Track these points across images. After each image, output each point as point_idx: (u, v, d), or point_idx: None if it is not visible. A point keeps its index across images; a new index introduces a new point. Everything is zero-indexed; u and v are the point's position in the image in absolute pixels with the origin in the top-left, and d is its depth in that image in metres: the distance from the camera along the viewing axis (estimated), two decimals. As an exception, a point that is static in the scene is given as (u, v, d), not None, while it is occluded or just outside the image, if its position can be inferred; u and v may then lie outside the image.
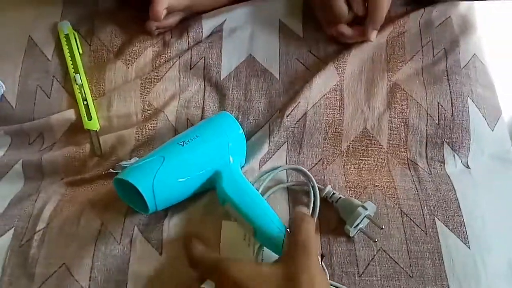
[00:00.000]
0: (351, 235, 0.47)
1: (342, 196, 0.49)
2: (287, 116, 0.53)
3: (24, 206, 0.49)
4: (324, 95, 0.55)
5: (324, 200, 0.49)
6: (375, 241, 0.46)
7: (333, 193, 0.49)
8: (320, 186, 0.50)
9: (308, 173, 0.51)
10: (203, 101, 0.55)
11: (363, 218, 0.46)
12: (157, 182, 0.43)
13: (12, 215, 0.48)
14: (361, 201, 0.47)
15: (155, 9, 0.52)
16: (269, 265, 0.40)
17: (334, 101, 0.55)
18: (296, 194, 0.50)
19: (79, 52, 0.56)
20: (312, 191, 0.49)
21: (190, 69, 0.56)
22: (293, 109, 0.53)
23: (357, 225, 0.46)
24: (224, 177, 0.46)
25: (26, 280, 0.44)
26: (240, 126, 0.49)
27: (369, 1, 0.53)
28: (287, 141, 0.54)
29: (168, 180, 0.44)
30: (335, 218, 0.48)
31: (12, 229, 0.47)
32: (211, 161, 0.47)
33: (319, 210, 0.48)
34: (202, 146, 0.47)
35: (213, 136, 0.48)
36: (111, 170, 0.52)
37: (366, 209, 0.46)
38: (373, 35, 0.56)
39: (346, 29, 0.56)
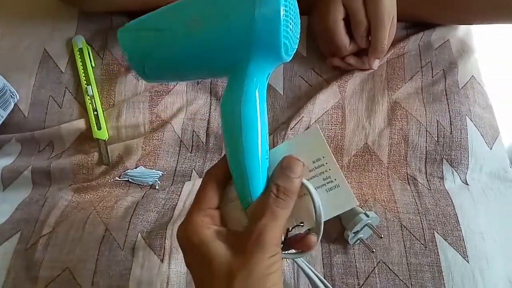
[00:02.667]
0: (350, 242, 0.47)
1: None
2: (291, 129, 0.55)
3: (31, 211, 0.50)
4: (327, 111, 0.57)
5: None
6: (373, 251, 0.47)
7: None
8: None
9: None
10: (209, 114, 0.57)
11: (364, 226, 0.46)
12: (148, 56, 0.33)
13: (19, 219, 0.49)
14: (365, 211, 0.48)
15: None
16: (222, 244, 0.31)
17: (336, 117, 0.57)
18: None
19: (91, 65, 0.59)
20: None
21: (198, 83, 0.59)
22: (297, 123, 0.55)
23: (357, 232, 0.46)
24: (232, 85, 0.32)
25: (29, 283, 0.45)
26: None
27: (372, 34, 0.55)
28: (290, 154, 0.55)
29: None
30: (336, 228, 0.49)
31: (19, 233, 0.48)
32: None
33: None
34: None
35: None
36: (117, 179, 0.53)
37: (368, 217, 0.47)
38: (376, 64, 0.57)
39: (347, 60, 0.58)
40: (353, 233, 0.47)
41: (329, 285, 0.39)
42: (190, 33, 0.30)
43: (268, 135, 0.33)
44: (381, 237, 0.47)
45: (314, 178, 0.33)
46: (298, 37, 0.32)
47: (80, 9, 0.62)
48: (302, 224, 0.34)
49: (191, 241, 0.31)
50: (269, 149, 0.33)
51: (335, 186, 0.33)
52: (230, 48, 0.30)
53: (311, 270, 0.39)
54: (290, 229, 0.34)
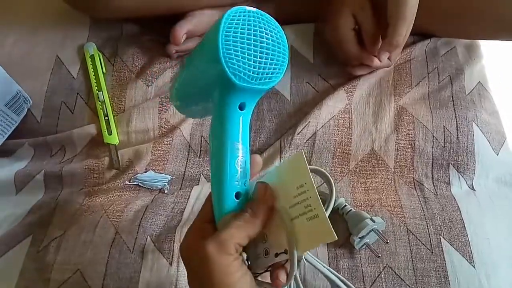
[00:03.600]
0: (356, 247, 0.48)
1: (353, 209, 0.50)
2: (298, 134, 0.55)
3: (43, 214, 0.51)
4: (333, 116, 0.58)
5: (334, 212, 0.51)
6: (378, 256, 0.47)
7: (345, 205, 0.50)
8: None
9: (328, 174, 0.50)
10: (217, 119, 0.58)
11: (370, 231, 0.47)
12: None
13: (31, 222, 0.50)
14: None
15: (176, 34, 0.56)
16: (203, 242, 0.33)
17: (343, 122, 0.57)
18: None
19: (102, 72, 0.60)
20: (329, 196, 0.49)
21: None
22: (304, 128, 0.56)
23: (363, 237, 0.47)
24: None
25: (42, 284, 0.46)
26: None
27: (390, 27, 0.52)
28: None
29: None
30: (343, 233, 0.49)
31: (31, 236, 0.49)
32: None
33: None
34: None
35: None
36: (127, 183, 0.54)
37: (374, 222, 0.47)
38: (384, 57, 0.55)
39: (358, 71, 0.59)
40: (359, 238, 0.47)
41: (351, 285, 0.39)
42: (188, 71, 0.37)
43: (246, 155, 0.34)
44: (387, 243, 0.47)
45: (296, 205, 0.32)
46: (266, 61, 0.31)
47: (92, 16, 0.63)
48: (285, 253, 0.33)
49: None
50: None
51: (314, 215, 0.31)
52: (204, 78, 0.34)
53: (331, 271, 0.39)
54: (276, 255, 0.33)
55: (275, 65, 0.32)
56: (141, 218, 0.49)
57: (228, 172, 0.33)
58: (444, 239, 0.49)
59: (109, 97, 0.59)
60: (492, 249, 0.49)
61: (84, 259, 0.47)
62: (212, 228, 0.34)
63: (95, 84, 0.59)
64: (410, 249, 0.48)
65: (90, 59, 0.60)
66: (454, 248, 0.48)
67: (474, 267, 0.47)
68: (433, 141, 0.56)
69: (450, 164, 0.55)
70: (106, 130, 0.56)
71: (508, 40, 0.62)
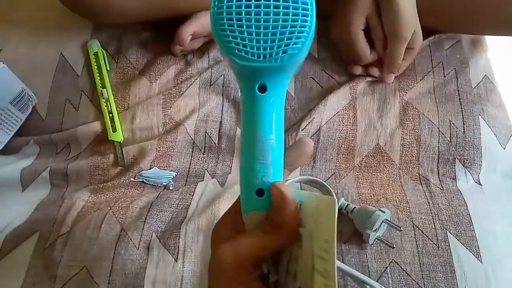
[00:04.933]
0: (370, 242, 0.47)
1: (357, 206, 0.50)
2: (302, 130, 0.55)
3: (49, 211, 0.51)
4: (338, 112, 0.57)
5: (338, 212, 0.50)
6: (393, 247, 0.47)
7: (348, 204, 0.50)
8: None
9: (327, 185, 0.50)
10: (221, 116, 0.58)
11: (381, 223, 0.47)
12: None
13: (38, 219, 0.51)
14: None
15: (181, 35, 0.56)
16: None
17: (348, 118, 0.57)
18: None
19: (106, 69, 0.60)
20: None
21: (210, 85, 0.59)
22: (308, 124, 0.55)
23: (376, 230, 0.47)
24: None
25: (48, 281, 0.46)
26: None
27: (388, 48, 0.56)
28: (301, 155, 0.56)
29: None
30: (348, 230, 0.49)
31: (37, 233, 0.49)
32: None
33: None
34: None
35: None
36: (132, 179, 0.54)
37: (384, 213, 0.47)
38: (390, 78, 0.58)
39: (370, 72, 0.59)
40: (373, 231, 0.47)
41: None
42: None
43: (273, 146, 0.29)
44: (401, 230, 0.47)
45: (318, 258, 0.27)
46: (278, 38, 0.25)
47: (96, 23, 0.63)
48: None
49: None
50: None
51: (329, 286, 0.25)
52: None
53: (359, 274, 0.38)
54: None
55: (289, 34, 0.25)
56: (146, 215, 0.49)
57: (246, 166, 0.29)
58: (451, 233, 0.49)
59: (113, 94, 0.59)
60: (499, 244, 0.48)
61: (90, 256, 0.47)
62: (241, 222, 0.31)
63: (99, 82, 0.59)
64: (416, 244, 0.48)
65: (94, 56, 0.60)
66: (461, 242, 0.48)
67: (481, 262, 0.47)
68: (439, 136, 0.56)
69: (456, 159, 0.55)
70: (110, 127, 0.56)
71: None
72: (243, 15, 0.24)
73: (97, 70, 0.60)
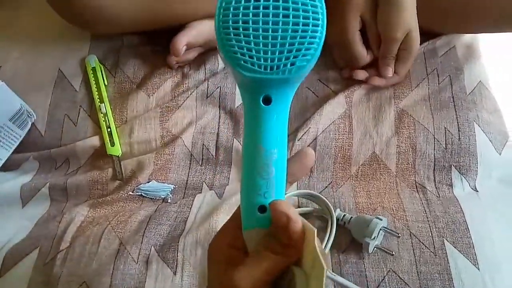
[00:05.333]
0: (370, 251, 0.47)
1: (353, 216, 0.50)
2: (298, 140, 0.55)
3: (49, 227, 0.52)
4: (333, 121, 0.58)
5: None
6: (392, 254, 0.47)
7: (344, 215, 0.50)
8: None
9: (323, 198, 0.51)
10: (218, 127, 0.58)
11: (379, 231, 0.47)
12: None
13: (38, 235, 0.51)
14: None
15: (176, 46, 0.57)
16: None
17: (343, 127, 0.58)
18: (308, 219, 0.52)
19: (104, 84, 0.61)
20: (330, 220, 0.50)
21: (207, 98, 0.60)
22: (304, 133, 0.56)
23: (374, 238, 0.47)
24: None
25: None
26: None
27: (382, 45, 0.56)
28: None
29: None
30: (345, 240, 0.49)
31: (37, 249, 0.50)
32: None
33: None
34: None
35: None
36: (131, 193, 0.55)
37: (381, 220, 0.47)
38: (388, 71, 0.58)
39: (363, 74, 0.59)
40: (372, 239, 0.47)
41: None
42: None
43: (276, 161, 0.28)
44: (399, 236, 0.48)
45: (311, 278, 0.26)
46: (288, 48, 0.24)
47: (92, 32, 0.64)
48: None
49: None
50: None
51: None
52: None
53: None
54: None
55: (298, 46, 0.24)
56: (145, 229, 0.50)
57: (248, 181, 0.28)
58: (448, 241, 0.49)
59: (111, 108, 0.60)
60: (496, 250, 0.49)
61: (89, 271, 0.47)
62: (242, 237, 0.30)
63: (97, 96, 0.60)
64: (414, 253, 0.48)
65: (91, 71, 0.61)
66: (458, 250, 0.48)
67: (478, 269, 0.47)
68: (434, 143, 0.56)
69: (452, 166, 0.55)
70: (108, 142, 0.57)
71: (509, 32, 0.61)
72: (250, 24, 0.23)
73: (95, 85, 0.60)
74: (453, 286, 0.46)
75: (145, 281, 0.46)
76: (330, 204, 0.50)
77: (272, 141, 0.27)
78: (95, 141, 0.58)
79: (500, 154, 0.57)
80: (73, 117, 0.60)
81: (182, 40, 0.57)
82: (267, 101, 0.26)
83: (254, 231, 0.28)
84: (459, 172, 0.55)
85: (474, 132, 0.57)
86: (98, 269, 0.47)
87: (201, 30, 0.59)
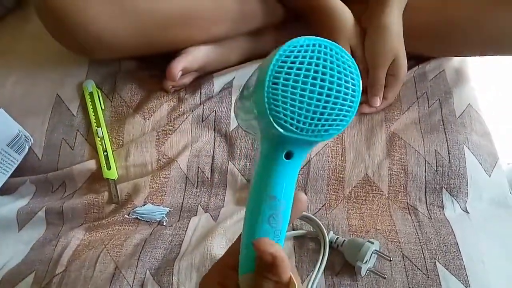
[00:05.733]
0: (362, 274, 0.48)
1: (346, 239, 0.51)
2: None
3: (45, 251, 0.52)
4: (326, 144, 0.59)
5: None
6: (385, 277, 0.48)
7: (337, 238, 0.51)
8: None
9: (317, 220, 0.52)
10: (213, 150, 0.59)
11: (371, 254, 0.47)
12: None
13: (34, 259, 0.52)
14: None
15: (172, 71, 0.58)
16: None
17: (336, 149, 0.59)
18: (302, 240, 0.52)
19: (101, 108, 0.62)
20: (322, 241, 0.51)
21: (202, 121, 0.61)
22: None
23: (366, 262, 0.47)
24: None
25: None
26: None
27: (369, 72, 0.59)
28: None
29: None
30: (339, 262, 0.50)
31: (33, 273, 0.50)
32: None
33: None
34: None
35: None
36: (127, 216, 0.55)
37: (373, 243, 0.48)
38: (376, 101, 0.60)
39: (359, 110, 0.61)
40: (364, 263, 0.47)
41: None
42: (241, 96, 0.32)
43: (284, 211, 0.29)
44: (391, 260, 0.48)
45: None
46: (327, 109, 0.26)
47: (90, 58, 0.65)
48: None
49: None
50: None
51: None
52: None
53: None
54: None
55: (335, 116, 0.26)
56: (140, 252, 0.50)
57: (254, 228, 0.29)
58: (440, 263, 0.49)
59: (108, 132, 0.61)
60: (488, 271, 0.49)
61: (85, 295, 0.48)
62: (234, 278, 0.30)
63: (94, 121, 0.61)
64: (406, 275, 0.49)
65: (89, 96, 0.62)
66: (450, 272, 0.49)
67: (470, 291, 0.48)
68: (425, 166, 0.57)
69: (443, 188, 0.56)
70: (105, 165, 0.58)
71: (496, 55, 0.63)
72: (298, 90, 0.25)
73: (92, 110, 0.61)
74: (446, 308, 0.47)
75: (140, 305, 0.47)
76: (323, 227, 0.51)
77: (285, 192, 0.29)
78: (91, 164, 0.59)
79: (489, 176, 0.58)
80: (70, 141, 0.61)
81: (178, 66, 0.59)
82: (288, 155, 0.28)
83: (252, 275, 0.29)
84: (450, 194, 0.56)
85: (464, 155, 0.58)
86: (94, 294, 0.48)
87: (197, 56, 0.61)
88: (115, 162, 0.58)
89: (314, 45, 0.25)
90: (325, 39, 0.26)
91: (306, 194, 0.57)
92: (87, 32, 0.53)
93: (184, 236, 0.52)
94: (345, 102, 0.26)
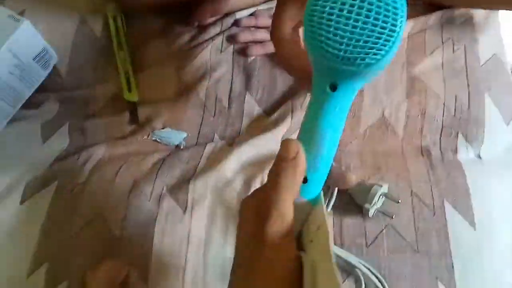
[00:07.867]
0: (370, 215, 0.49)
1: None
2: (309, 95, 0.57)
3: (67, 163, 0.54)
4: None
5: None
6: (392, 217, 0.49)
7: (348, 172, 0.52)
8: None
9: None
10: (231, 81, 0.60)
11: (380, 195, 0.49)
12: None
13: (56, 169, 0.54)
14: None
15: (201, 16, 0.60)
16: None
17: (355, 88, 0.59)
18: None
19: (124, 31, 0.62)
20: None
21: (221, 52, 0.61)
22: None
23: (375, 204, 0.48)
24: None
25: (67, 226, 0.49)
26: None
27: None
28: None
29: None
30: (347, 201, 0.51)
31: (56, 181, 0.52)
32: None
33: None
34: None
35: None
36: (145, 138, 0.57)
37: (381, 186, 0.49)
38: None
39: None
40: (372, 206, 0.48)
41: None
42: None
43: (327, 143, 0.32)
44: (399, 202, 0.49)
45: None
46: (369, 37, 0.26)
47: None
48: None
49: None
50: None
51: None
52: None
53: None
54: None
55: (372, 44, 0.26)
56: (159, 169, 0.52)
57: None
58: (448, 201, 0.51)
59: (129, 55, 0.61)
60: (495, 215, 0.50)
61: (105, 204, 0.50)
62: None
63: (117, 43, 0.61)
64: (413, 210, 0.50)
65: (112, 19, 0.62)
66: (457, 211, 0.50)
67: (475, 230, 0.49)
68: (443, 110, 0.57)
69: (459, 133, 0.56)
70: (126, 88, 0.59)
71: None
72: (334, 17, 0.26)
73: (115, 32, 0.62)
74: (449, 244, 0.48)
75: (156, 218, 0.49)
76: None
77: (332, 123, 0.31)
78: (113, 86, 0.60)
79: (507, 125, 0.58)
80: (93, 62, 0.62)
81: (208, 10, 0.59)
82: (334, 88, 0.29)
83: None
84: (465, 140, 0.56)
85: (484, 102, 0.57)
86: (113, 204, 0.50)
87: (226, 2, 0.60)
88: (136, 85, 0.59)
89: None
90: None
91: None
92: None
93: (200, 158, 0.54)
94: (382, 31, 0.26)
